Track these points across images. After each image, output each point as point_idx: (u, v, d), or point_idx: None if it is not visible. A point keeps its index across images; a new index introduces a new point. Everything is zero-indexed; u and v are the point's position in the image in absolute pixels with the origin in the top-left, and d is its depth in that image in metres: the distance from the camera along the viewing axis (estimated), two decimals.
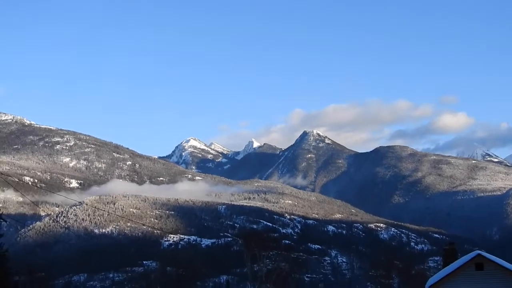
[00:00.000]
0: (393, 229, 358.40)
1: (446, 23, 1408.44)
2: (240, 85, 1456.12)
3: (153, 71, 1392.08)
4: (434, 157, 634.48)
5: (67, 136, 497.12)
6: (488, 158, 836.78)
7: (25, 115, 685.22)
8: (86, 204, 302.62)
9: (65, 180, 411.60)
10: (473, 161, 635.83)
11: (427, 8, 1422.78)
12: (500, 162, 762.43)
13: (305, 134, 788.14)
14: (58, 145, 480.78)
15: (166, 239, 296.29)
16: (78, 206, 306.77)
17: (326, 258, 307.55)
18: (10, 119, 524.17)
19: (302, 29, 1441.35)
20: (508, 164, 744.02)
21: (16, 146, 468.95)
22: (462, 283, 52.02)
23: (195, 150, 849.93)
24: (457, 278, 52.04)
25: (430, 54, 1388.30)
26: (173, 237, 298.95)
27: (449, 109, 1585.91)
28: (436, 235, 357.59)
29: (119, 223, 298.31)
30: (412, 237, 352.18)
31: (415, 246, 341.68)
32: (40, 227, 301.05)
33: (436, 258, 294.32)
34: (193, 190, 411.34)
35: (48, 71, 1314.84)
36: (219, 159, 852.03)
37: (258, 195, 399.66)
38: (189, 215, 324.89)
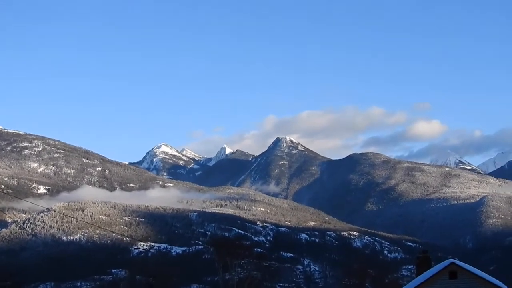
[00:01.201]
0: (366, 237, 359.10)
1: (418, 31, 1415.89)
2: (214, 91, 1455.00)
3: (123, 75, 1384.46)
4: (408, 164, 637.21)
5: (36, 141, 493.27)
6: (462, 166, 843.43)
7: None
8: (54, 211, 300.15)
9: (33, 186, 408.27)
10: (447, 169, 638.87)
11: (398, 15, 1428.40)
12: (473, 170, 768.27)
13: (278, 140, 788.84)
14: (26, 150, 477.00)
15: (135, 247, 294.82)
16: (46, 213, 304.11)
17: (299, 266, 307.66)
18: None
19: (276, 36, 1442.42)
20: (481, 172, 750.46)
21: None
22: None
23: (166, 156, 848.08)
24: (430, 286, 51.79)
25: (404, 61, 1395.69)
26: (143, 244, 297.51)
27: (423, 117, 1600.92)
28: (410, 243, 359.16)
29: (87, 230, 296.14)
30: (386, 245, 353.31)
31: (389, 255, 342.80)
32: (6, 234, 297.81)
33: (409, 267, 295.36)
34: (164, 197, 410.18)
35: (16, 73, 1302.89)
36: (190, 166, 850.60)
37: (230, 202, 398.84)
38: (159, 223, 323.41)
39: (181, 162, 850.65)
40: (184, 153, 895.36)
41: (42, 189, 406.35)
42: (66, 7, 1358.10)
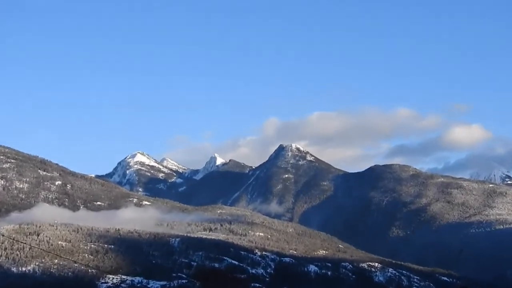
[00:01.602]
0: (390, 269, 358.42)
1: (456, 19, 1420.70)
2: (201, 88, 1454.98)
3: (88, 68, 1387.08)
4: (443, 179, 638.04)
5: None
6: (509, 182, 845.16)
7: None
8: (3, 235, 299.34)
9: None
10: (491, 185, 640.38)
11: (437, 7, 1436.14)
12: None
13: (281, 149, 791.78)
14: None
15: (103, 281, 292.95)
16: None
17: None
18: None
19: (282, 26, 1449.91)
20: None
21: None
22: None
23: (142, 168, 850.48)
24: None
25: (438, 55, 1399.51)
26: (113, 278, 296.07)
27: (461, 121, 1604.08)
28: (445, 278, 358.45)
29: (44, 260, 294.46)
30: (415, 280, 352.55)
31: None
32: None
33: None
34: (139, 218, 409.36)
35: None
36: (172, 179, 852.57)
37: (222, 225, 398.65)
38: (133, 250, 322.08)
39: (160, 175, 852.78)
40: (164, 163, 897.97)
41: None
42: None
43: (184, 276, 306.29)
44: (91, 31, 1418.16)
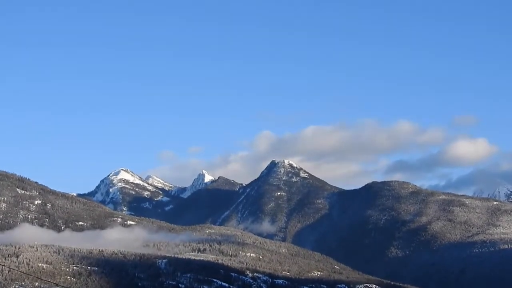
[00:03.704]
0: None
1: (461, 25, 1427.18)
2: (190, 101, 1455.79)
3: (69, 81, 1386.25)
4: (444, 196, 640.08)
5: None
6: None
7: None
8: None
9: None
10: (495, 202, 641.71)
11: (438, 16, 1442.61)
12: None
13: (273, 165, 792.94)
14: None
15: None
16: None
17: None
18: None
19: (275, 38, 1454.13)
20: None
21: None
22: None
23: (126, 186, 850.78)
24: None
25: (440, 65, 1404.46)
26: None
27: (465, 134, 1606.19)
28: None
29: (23, 282, 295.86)
30: None
31: None
32: None
33: None
34: (124, 238, 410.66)
35: None
36: (158, 198, 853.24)
37: (211, 245, 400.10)
38: (118, 272, 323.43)
39: (146, 194, 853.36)
40: (150, 181, 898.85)
41: None
42: None
43: None
44: (74, 45, 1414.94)
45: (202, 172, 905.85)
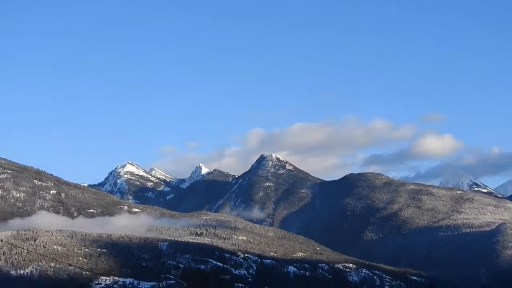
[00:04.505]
0: (364, 270, 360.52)
1: (430, 34, 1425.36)
2: (188, 100, 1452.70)
3: (80, 83, 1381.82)
4: (414, 186, 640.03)
5: None
6: (476, 188, 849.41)
7: None
8: (1, 241, 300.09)
9: None
10: (459, 192, 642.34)
11: (411, 17, 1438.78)
12: (489, 193, 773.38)
13: (262, 158, 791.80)
14: None
15: (97, 282, 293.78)
16: None
17: None
18: None
19: (265, 35, 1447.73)
20: (499, 196, 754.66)
21: None
22: None
23: (132, 177, 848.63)
24: None
25: (413, 68, 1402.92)
26: (105, 279, 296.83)
27: (433, 131, 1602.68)
28: (415, 277, 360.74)
29: (40, 263, 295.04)
30: (387, 279, 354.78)
31: None
32: None
33: None
34: (130, 224, 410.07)
35: None
36: (160, 188, 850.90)
37: (207, 230, 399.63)
38: (124, 254, 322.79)
39: (149, 184, 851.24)
40: (152, 173, 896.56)
41: None
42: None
43: (172, 277, 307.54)
44: (83, 41, 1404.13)
45: (199, 165, 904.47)
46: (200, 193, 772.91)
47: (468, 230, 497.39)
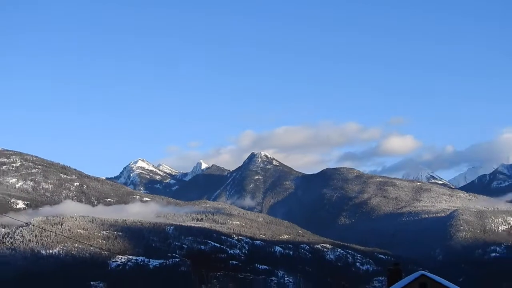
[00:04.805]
0: (339, 249, 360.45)
1: (392, 47, 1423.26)
2: (191, 105, 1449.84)
3: (98, 91, 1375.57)
4: (380, 179, 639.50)
5: (13, 156, 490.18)
6: (433, 181, 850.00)
7: None
8: (33, 225, 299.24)
9: (12, 201, 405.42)
10: (418, 183, 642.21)
11: (375, 33, 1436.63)
12: (444, 185, 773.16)
13: (253, 155, 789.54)
14: (4, 166, 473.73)
15: (113, 260, 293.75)
16: (24, 227, 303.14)
17: (273, 278, 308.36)
18: None
19: (254, 50, 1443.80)
20: (452, 186, 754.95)
21: None
22: None
23: (143, 171, 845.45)
24: None
25: (380, 76, 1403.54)
26: (121, 258, 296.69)
27: (396, 132, 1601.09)
28: (381, 256, 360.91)
29: (66, 244, 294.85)
30: (358, 257, 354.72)
31: (361, 267, 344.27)
32: None
33: (381, 278, 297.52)
34: (141, 211, 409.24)
35: None
36: (167, 180, 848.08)
37: (206, 216, 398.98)
38: (137, 236, 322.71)
39: (157, 177, 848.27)
40: (160, 168, 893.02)
41: (20, 204, 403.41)
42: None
43: (177, 256, 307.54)
44: (90, 41, 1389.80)
45: (200, 161, 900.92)
46: (200, 184, 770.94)
47: (426, 215, 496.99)
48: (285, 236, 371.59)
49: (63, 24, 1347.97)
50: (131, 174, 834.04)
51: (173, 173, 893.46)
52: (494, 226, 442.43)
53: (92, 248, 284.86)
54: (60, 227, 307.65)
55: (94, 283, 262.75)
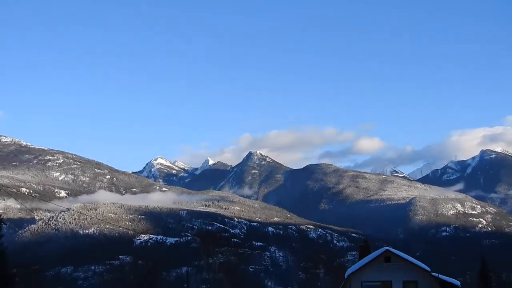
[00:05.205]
0: (320, 230, 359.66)
1: (361, 62, 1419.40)
2: (201, 113, 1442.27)
3: (127, 100, 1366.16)
4: (353, 172, 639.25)
5: (57, 155, 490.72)
6: (395, 174, 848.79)
7: (21, 137, 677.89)
8: (73, 210, 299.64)
9: (55, 190, 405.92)
10: (383, 176, 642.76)
11: (343, 54, 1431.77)
12: (404, 177, 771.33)
13: (250, 154, 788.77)
14: (49, 162, 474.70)
15: (138, 238, 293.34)
16: (66, 212, 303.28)
17: (266, 253, 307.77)
18: (9, 141, 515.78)
19: (250, 66, 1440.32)
20: (411, 179, 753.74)
21: (14, 163, 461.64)
22: (374, 273, 52.74)
23: (162, 167, 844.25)
24: (370, 268, 52.73)
25: (353, 90, 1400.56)
26: (144, 236, 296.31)
27: (366, 135, 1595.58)
28: (354, 235, 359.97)
29: (99, 226, 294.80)
30: (335, 236, 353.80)
31: (337, 243, 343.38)
32: (34, 229, 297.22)
33: (353, 253, 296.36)
34: (160, 199, 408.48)
35: (42, 103, 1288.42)
36: (181, 174, 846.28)
37: (213, 203, 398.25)
38: (156, 219, 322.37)
39: (173, 171, 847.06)
40: (176, 164, 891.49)
41: (62, 193, 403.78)
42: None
43: (189, 235, 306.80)
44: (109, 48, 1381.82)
45: (207, 158, 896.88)
46: (208, 177, 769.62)
47: (390, 202, 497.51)
48: (276, 219, 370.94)
49: (106, 25, 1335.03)
50: (152, 169, 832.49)
51: (186, 168, 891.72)
52: (445, 211, 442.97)
53: (120, 228, 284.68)
54: (94, 211, 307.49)
55: (122, 257, 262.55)
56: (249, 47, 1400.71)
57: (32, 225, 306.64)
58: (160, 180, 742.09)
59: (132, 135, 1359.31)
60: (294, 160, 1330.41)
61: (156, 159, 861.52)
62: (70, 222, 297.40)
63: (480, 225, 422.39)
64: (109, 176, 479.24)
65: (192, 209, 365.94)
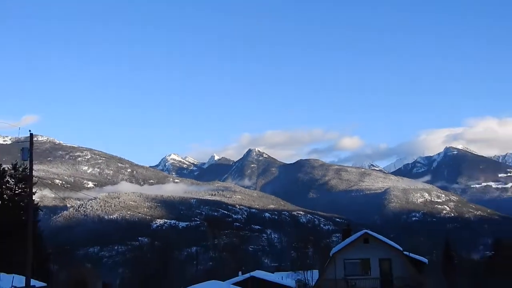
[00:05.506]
0: (309, 215, 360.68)
1: (342, 68, 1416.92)
2: (208, 115, 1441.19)
3: (147, 101, 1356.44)
4: (337, 166, 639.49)
5: (86, 151, 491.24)
6: (373, 168, 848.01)
7: (55, 136, 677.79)
8: (99, 199, 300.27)
9: (84, 182, 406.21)
10: (362, 170, 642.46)
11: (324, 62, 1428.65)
12: (380, 170, 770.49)
13: (250, 150, 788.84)
14: (79, 158, 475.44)
15: (154, 222, 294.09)
16: (93, 200, 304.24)
17: (264, 235, 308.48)
18: (45, 139, 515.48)
19: (249, 74, 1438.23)
20: (386, 172, 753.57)
21: (49, 159, 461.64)
22: (355, 252, 53.04)
23: (174, 161, 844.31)
24: (351, 248, 53.02)
25: (337, 95, 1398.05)
26: (159, 221, 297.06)
27: (348, 134, 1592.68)
28: (338, 219, 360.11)
29: (122, 212, 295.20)
30: (322, 220, 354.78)
31: (324, 227, 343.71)
32: (66, 215, 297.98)
33: (337, 235, 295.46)
34: (174, 189, 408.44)
35: (72, 107, 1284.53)
36: (191, 168, 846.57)
37: (218, 192, 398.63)
38: (170, 206, 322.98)
39: (185, 165, 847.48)
40: (186, 159, 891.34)
41: (90, 184, 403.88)
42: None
43: (198, 220, 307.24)
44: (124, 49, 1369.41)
45: (213, 154, 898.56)
46: (214, 170, 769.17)
47: (368, 192, 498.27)
48: (272, 206, 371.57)
49: (125, 23, 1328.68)
50: (166, 164, 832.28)
51: (195, 163, 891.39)
52: (414, 199, 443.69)
53: (140, 214, 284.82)
54: (117, 200, 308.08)
55: (140, 238, 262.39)
56: (250, 62, 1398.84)
57: (64, 212, 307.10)
58: (173, 173, 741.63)
59: (149, 134, 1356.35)
60: (287, 156, 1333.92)
61: (169, 155, 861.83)
62: (96, 209, 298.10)
63: (444, 211, 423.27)
64: (130, 170, 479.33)
65: (200, 197, 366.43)
